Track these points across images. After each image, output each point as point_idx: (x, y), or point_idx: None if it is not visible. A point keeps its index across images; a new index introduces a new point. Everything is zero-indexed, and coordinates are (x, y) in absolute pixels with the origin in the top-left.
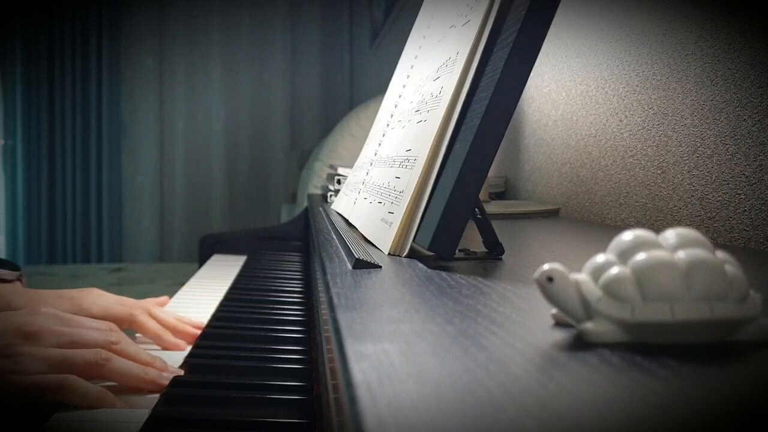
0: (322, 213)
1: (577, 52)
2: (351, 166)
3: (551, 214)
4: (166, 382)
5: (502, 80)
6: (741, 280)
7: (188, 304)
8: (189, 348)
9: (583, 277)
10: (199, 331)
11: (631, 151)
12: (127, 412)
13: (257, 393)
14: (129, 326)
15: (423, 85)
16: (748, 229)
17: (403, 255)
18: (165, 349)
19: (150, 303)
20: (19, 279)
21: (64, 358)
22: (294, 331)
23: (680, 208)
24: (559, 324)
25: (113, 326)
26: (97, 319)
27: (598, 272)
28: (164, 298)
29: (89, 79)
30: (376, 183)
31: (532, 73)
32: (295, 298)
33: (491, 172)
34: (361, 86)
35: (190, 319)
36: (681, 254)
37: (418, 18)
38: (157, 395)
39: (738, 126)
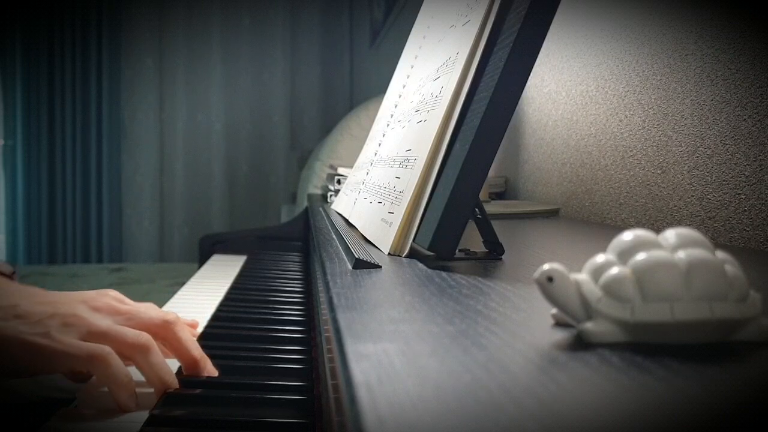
0: (322, 213)
1: (577, 52)
2: (351, 166)
3: (551, 214)
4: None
5: (502, 80)
6: (741, 280)
7: (188, 304)
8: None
9: (583, 277)
10: None
11: (631, 151)
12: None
13: (257, 393)
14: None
15: (423, 85)
16: (748, 229)
17: (403, 255)
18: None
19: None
20: (11, 276)
21: (108, 329)
22: (294, 331)
23: (680, 208)
24: (559, 324)
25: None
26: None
27: (598, 272)
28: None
29: (89, 79)
30: (376, 183)
31: (532, 73)
32: (295, 298)
33: (491, 172)
34: (361, 86)
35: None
36: (681, 254)
37: (418, 18)
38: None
39: (738, 126)
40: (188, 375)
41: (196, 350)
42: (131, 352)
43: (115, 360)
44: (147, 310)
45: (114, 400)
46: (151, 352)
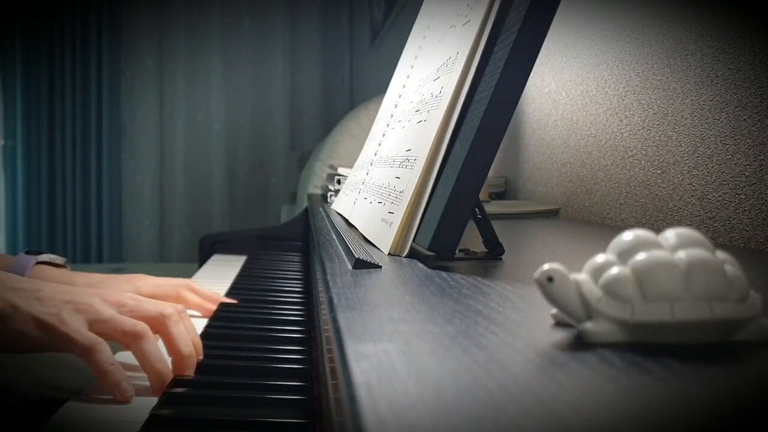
0: (322, 213)
1: (577, 52)
2: (351, 166)
3: (551, 214)
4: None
5: (503, 80)
6: (741, 280)
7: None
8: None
9: (583, 277)
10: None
11: (631, 151)
12: (127, 411)
13: (257, 393)
14: (176, 301)
15: (423, 85)
16: (748, 229)
17: (403, 255)
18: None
19: (188, 281)
20: (64, 266)
21: (111, 317)
22: (294, 331)
23: (680, 208)
24: (559, 324)
25: (180, 307)
26: (148, 297)
27: (598, 272)
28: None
29: (89, 79)
30: (376, 183)
31: (532, 73)
32: (295, 298)
33: (491, 172)
34: (361, 86)
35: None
36: (681, 254)
37: (418, 18)
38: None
39: (738, 126)
40: (177, 374)
41: (186, 347)
42: (126, 339)
43: (106, 350)
44: (153, 303)
45: (105, 389)
46: (145, 339)
